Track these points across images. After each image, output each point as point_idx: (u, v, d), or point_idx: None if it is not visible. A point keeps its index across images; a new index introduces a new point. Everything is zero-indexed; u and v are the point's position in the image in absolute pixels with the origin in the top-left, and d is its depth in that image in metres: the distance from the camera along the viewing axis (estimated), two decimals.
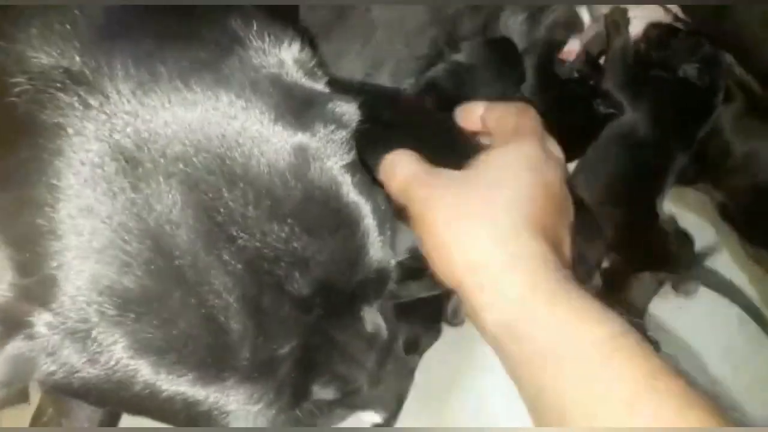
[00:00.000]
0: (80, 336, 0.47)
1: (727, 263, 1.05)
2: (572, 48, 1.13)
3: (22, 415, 0.90)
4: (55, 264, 0.45)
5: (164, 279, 0.46)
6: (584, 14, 1.10)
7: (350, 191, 0.52)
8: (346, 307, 0.58)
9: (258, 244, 0.47)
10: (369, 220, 0.54)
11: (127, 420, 0.94)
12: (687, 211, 1.07)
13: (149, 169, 0.45)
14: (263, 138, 0.47)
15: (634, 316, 0.96)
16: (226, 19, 0.50)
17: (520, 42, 1.06)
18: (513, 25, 1.06)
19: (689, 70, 1.05)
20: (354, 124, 0.55)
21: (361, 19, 0.91)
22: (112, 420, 0.91)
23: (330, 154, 0.51)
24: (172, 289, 0.46)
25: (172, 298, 0.46)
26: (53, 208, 0.45)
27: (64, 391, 0.52)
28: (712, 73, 1.06)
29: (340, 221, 0.52)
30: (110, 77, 0.45)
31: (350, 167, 0.53)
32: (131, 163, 0.45)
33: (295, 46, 0.52)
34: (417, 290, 0.78)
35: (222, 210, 0.46)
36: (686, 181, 1.04)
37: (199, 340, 0.48)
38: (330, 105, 0.53)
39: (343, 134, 0.53)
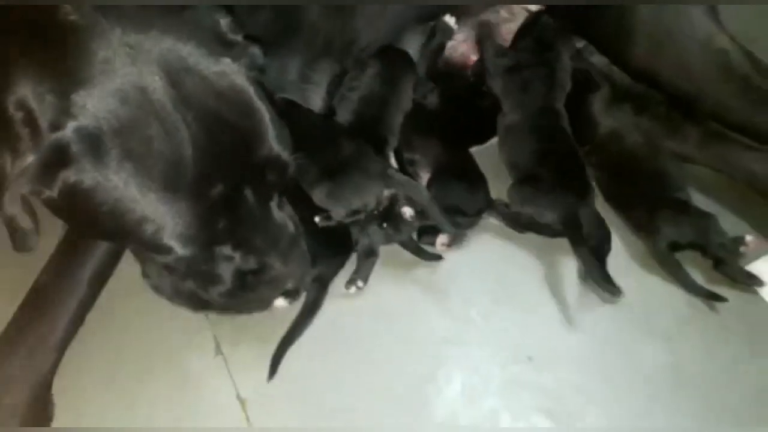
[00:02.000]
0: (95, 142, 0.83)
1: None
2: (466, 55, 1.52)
3: None
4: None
5: (151, 118, 0.85)
6: (451, 21, 1.47)
7: (255, 95, 0.93)
8: (259, 189, 0.94)
9: (201, 119, 0.87)
10: (267, 116, 0.93)
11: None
12: None
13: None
14: (211, 61, 0.90)
15: None
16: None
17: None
18: (411, 41, 1.48)
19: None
20: (260, 61, 0.99)
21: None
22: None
23: (245, 72, 0.93)
24: (152, 122, 0.85)
25: (152, 127, 0.85)
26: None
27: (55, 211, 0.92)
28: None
29: (246, 109, 0.92)
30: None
31: (255, 84, 0.93)
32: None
33: (227, 19, 0.96)
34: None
35: (185, 96, 0.86)
36: None
37: (162, 157, 0.85)
38: (248, 47, 0.97)
39: (254, 62, 0.96)
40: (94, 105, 0.84)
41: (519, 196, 1.29)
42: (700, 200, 1.33)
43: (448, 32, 1.48)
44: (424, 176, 1.33)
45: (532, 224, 1.29)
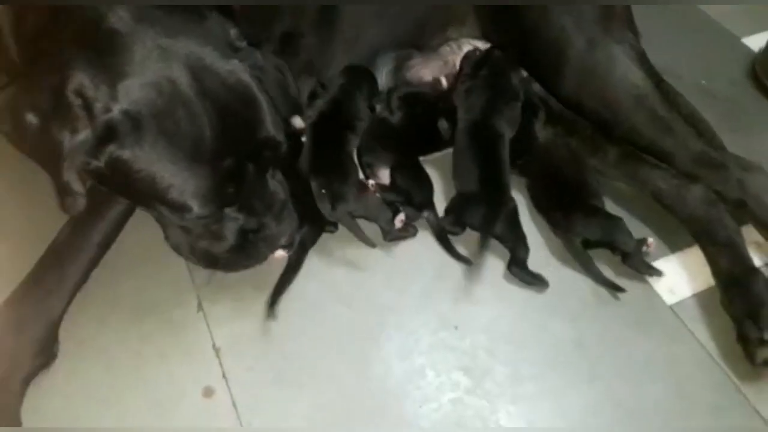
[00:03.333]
0: (137, 123, 1.10)
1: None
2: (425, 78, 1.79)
3: None
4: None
5: (179, 104, 1.11)
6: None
7: (257, 90, 1.20)
8: (259, 163, 1.22)
9: (216, 107, 1.14)
10: (266, 106, 1.21)
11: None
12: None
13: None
14: (223, 62, 1.17)
15: None
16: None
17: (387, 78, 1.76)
18: (382, 65, 1.76)
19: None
20: (260, 63, 1.27)
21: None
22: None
23: (249, 72, 1.20)
24: (180, 108, 1.11)
25: (180, 112, 1.11)
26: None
27: (99, 180, 1.19)
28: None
29: (250, 101, 1.19)
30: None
31: (257, 80, 1.21)
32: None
33: (236, 30, 1.23)
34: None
35: (204, 88, 1.13)
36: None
37: (188, 135, 1.12)
38: (251, 52, 1.25)
39: (255, 64, 1.25)
40: (136, 93, 1.10)
41: (452, 205, 1.55)
42: (612, 207, 1.58)
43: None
44: (380, 174, 1.58)
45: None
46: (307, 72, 1.67)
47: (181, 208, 1.19)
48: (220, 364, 1.34)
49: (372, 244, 1.48)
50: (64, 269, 1.35)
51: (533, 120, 1.68)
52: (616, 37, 1.58)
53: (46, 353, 1.30)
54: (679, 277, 1.51)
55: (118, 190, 1.25)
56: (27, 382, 1.26)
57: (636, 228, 1.54)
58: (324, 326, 1.40)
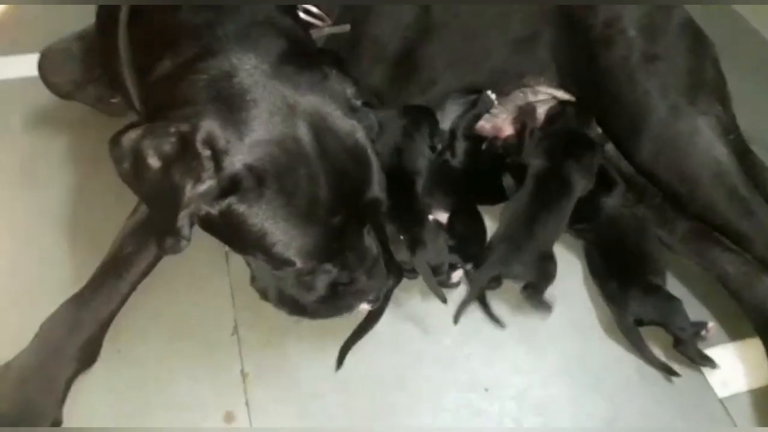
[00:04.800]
0: (260, 178, 1.10)
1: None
2: (500, 129, 1.73)
3: None
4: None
5: (301, 164, 1.11)
6: (492, 96, 1.68)
7: (370, 151, 1.20)
8: (360, 221, 1.23)
9: (334, 167, 1.14)
10: (376, 167, 1.21)
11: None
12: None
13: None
14: (343, 122, 1.17)
15: None
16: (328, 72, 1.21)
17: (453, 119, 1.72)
18: (450, 108, 1.71)
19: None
20: (376, 127, 1.30)
21: None
22: None
23: (365, 132, 1.19)
24: (301, 167, 1.11)
25: (301, 171, 1.11)
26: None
27: (206, 225, 1.18)
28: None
29: (364, 162, 1.19)
30: None
31: (370, 141, 1.21)
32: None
33: (353, 89, 1.23)
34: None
35: (324, 148, 1.13)
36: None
37: (305, 194, 1.12)
38: (368, 113, 1.26)
39: (371, 125, 1.25)
40: (263, 149, 1.10)
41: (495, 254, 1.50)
42: (672, 282, 1.50)
43: (488, 104, 1.70)
44: (439, 216, 1.56)
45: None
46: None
47: (284, 263, 1.19)
48: (245, 390, 1.35)
49: (443, 299, 1.43)
50: (121, 278, 1.39)
51: (603, 191, 1.61)
52: (702, 108, 1.49)
53: (91, 358, 1.35)
54: (736, 369, 1.42)
55: (222, 237, 1.24)
56: (70, 383, 1.31)
57: (695, 308, 1.46)
58: (354, 369, 1.39)
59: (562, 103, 1.69)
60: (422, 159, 1.61)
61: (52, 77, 1.69)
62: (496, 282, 1.48)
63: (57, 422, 1.27)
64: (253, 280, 1.35)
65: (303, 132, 1.12)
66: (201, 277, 1.48)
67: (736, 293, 1.47)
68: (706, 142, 1.46)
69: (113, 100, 1.71)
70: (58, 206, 1.61)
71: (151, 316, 1.44)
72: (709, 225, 1.49)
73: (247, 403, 1.33)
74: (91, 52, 1.59)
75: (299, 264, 1.19)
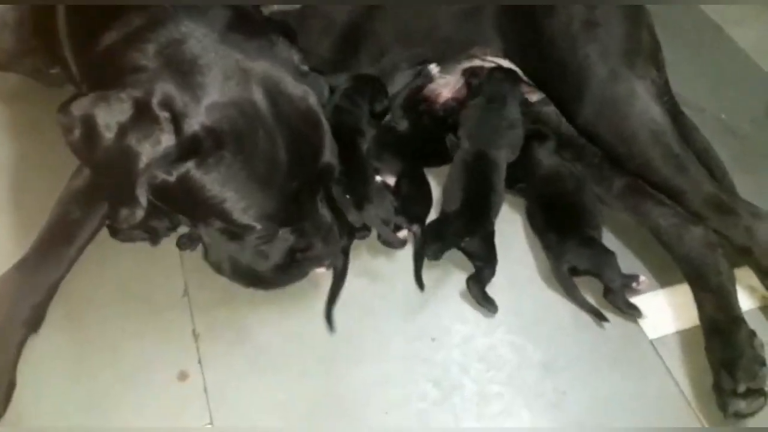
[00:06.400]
0: (219, 140, 1.10)
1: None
2: (441, 95, 1.76)
3: None
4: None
5: (258, 126, 1.13)
6: (435, 70, 1.70)
7: (320, 116, 1.23)
8: (315, 186, 1.26)
9: (287, 131, 1.16)
10: (328, 133, 1.24)
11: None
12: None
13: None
14: (295, 87, 1.19)
15: None
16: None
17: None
18: (399, 79, 1.76)
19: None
20: (325, 90, 1.51)
21: None
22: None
23: (315, 96, 1.22)
24: (259, 129, 1.13)
25: (259, 133, 1.13)
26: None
27: (161, 195, 1.17)
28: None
29: (317, 126, 1.22)
30: None
31: (320, 106, 1.24)
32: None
33: (300, 55, 1.26)
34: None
35: (279, 112, 1.16)
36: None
37: (265, 156, 1.14)
38: (317, 78, 1.38)
39: (321, 91, 1.37)
40: (220, 112, 1.11)
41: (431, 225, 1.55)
42: (609, 238, 1.58)
43: (429, 78, 1.75)
44: (388, 179, 1.61)
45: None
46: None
47: (243, 228, 1.21)
48: (198, 349, 1.38)
49: (402, 244, 1.49)
50: (69, 243, 1.40)
51: (536, 147, 1.67)
52: (639, 72, 1.55)
53: (38, 322, 1.36)
54: (665, 312, 1.50)
55: (178, 206, 1.24)
56: (21, 347, 1.32)
57: (629, 260, 1.54)
58: (300, 321, 1.43)
59: (491, 69, 1.73)
60: (363, 121, 1.64)
61: None
62: (439, 250, 1.51)
63: (12, 384, 1.28)
64: (207, 254, 1.36)
65: (258, 96, 1.14)
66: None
67: (666, 243, 1.55)
68: (643, 104, 1.52)
69: (52, 71, 1.68)
70: None
71: (99, 280, 1.45)
72: (646, 181, 1.56)
73: (200, 361, 1.36)
74: (26, 22, 1.56)
75: (258, 228, 1.21)
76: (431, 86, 1.77)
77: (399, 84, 1.77)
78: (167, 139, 1.08)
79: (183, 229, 1.49)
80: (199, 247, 1.45)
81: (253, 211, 1.18)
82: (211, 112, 1.11)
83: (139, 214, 1.15)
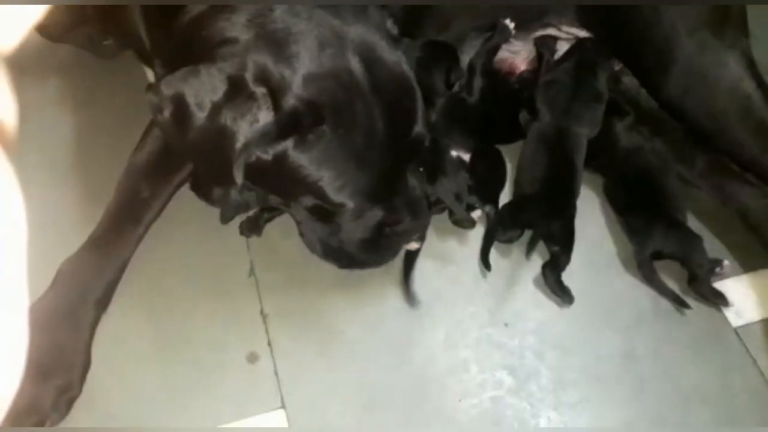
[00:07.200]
0: (318, 114, 1.03)
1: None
2: (516, 65, 1.68)
3: None
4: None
5: (357, 97, 1.05)
6: (510, 25, 1.61)
7: (414, 82, 1.14)
8: (407, 158, 1.18)
9: (383, 101, 1.08)
10: (420, 101, 1.15)
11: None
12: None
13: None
14: (390, 53, 1.10)
15: None
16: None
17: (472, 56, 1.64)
18: (469, 47, 1.66)
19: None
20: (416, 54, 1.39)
21: None
22: None
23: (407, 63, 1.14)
24: (357, 100, 1.05)
25: (357, 104, 1.05)
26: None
27: (253, 174, 1.08)
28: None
29: (412, 94, 1.14)
30: None
31: (413, 72, 1.15)
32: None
33: (391, 20, 1.17)
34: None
35: (376, 80, 1.07)
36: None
37: (363, 129, 1.06)
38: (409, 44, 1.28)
39: (411, 56, 1.25)
40: (318, 83, 1.02)
41: (507, 210, 1.48)
42: (693, 221, 1.49)
43: (506, 33, 1.62)
44: (461, 154, 1.53)
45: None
46: None
47: (337, 206, 1.15)
48: (267, 331, 1.36)
49: (473, 223, 1.43)
50: (139, 222, 1.37)
51: (616, 122, 1.58)
52: (729, 42, 1.44)
53: (108, 302, 1.34)
54: (750, 299, 1.43)
55: (271, 185, 1.18)
56: (94, 327, 1.31)
57: (708, 243, 1.45)
58: (373, 306, 1.39)
59: (580, 39, 1.63)
60: (436, 91, 1.56)
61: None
62: (515, 233, 1.46)
63: (87, 365, 1.27)
64: (302, 233, 1.31)
65: (355, 64, 1.06)
66: (212, 222, 1.43)
67: (754, 226, 1.47)
68: (734, 77, 1.42)
69: (105, 42, 1.64)
70: (51, 151, 1.56)
71: (164, 264, 1.42)
72: (734, 160, 1.47)
73: (269, 343, 1.34)
74: None
75: (351, 206, 1.15)
76: (504, 56, 1.68)
77: (469, 53, 1.66)
78: (265, 116, 1.01)
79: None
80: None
81: (348, 189, 1.12)
82: (309, 85, 1.02)
83: (235, 195, 1.12)
